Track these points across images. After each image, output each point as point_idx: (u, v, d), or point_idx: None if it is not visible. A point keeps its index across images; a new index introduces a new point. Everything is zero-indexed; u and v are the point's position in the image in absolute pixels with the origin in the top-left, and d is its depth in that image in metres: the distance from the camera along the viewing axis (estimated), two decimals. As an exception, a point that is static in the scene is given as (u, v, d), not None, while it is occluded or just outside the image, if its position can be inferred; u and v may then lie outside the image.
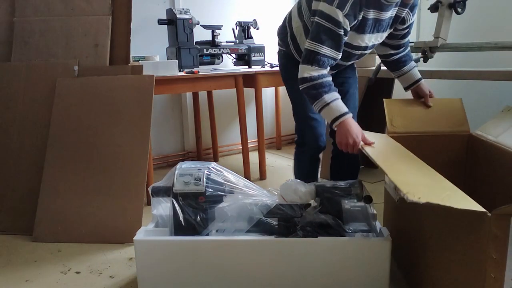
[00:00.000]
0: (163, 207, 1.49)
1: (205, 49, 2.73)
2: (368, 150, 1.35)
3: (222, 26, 2.83)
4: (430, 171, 1.21)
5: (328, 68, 1.42)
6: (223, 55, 2.86)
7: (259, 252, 1.34)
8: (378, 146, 1.45)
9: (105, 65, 2.09)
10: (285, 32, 1.68)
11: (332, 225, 1.36)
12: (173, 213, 1.38)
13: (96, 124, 1.96)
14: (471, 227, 0.96)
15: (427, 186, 1.06)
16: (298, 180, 1.46)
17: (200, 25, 2.73)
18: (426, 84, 1.75)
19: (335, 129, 1.42)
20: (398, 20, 1.53)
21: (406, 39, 1.69)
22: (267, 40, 3.14)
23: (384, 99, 1.76)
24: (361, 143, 1.39)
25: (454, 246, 1.09)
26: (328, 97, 1.39)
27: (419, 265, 1.33)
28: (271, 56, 3.11)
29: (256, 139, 2.84)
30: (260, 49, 2.95)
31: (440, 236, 1.17)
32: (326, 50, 1.38)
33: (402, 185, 0.98)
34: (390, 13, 1.48)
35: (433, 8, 2.14)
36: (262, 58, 2.96)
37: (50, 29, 2.12)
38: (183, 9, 2.63)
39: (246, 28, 2.96)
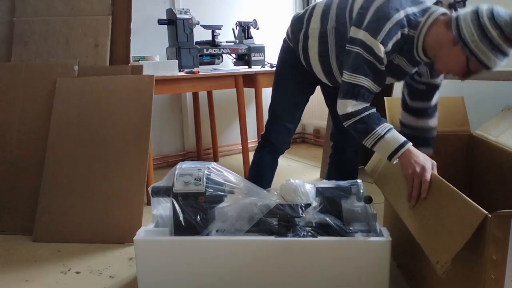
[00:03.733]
0: (163, 207, 1.49)
1: (205, 49, 2.73)
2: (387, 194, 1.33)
3: (222, 26, 2.83)
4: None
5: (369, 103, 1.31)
6: (223, 55, 2.86)
7: (259, 252, 1.34)
8: (384, 171, 1.43)
9: (105, 65, 2.09)
10: (300, 27, 1.55)
11: (332, 225, 1.36)
12: (173, 213, 1.38)
13: (96, 124, 1.96)
14: (472, 228, 0.96)
15: (439, 226, 1.04)
16: (298, 180, 1.46)
17: (200, 25, 2.73)
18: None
19: (394, 162, 1.24)
20: (415, 73, 1.44)
21: (427, 105, 1.49)
22: (267, 40, 3.14)
23: (384, 97, 1.76)
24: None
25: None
26: (381, 129, 1.24)
27: (419, 265, 1.33)
28: (271, 56, 3.11)
29: (256, 139, 2.84)
30: (260, 49, 2.95)
31: (440, 236, 1.17)
32: (369, 84, 1.26)
33: (431, 254, 1.01)
34: (413, 70, 1.40)
35: (433, 8, 2.13)
36: (262, 58, 2.96)
37: (50, 29, 2.12)
38: (183, 9, 2.63)
39: (246, 28, 2.96)
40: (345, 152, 1.77)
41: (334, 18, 1.43)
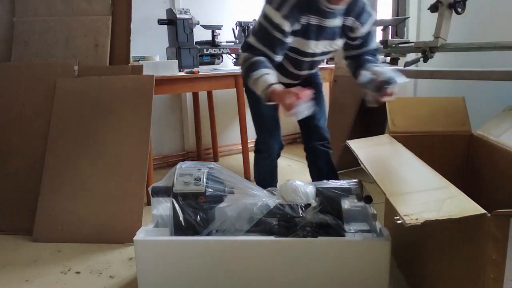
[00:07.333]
0: (163, 207, 1.49)
1: (205, 49, 2.73)
2: (362, 158, 1.35)
3: (222, 26, 2.83)
4: (428, 172, 1.21)
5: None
6: (223, 55, 2.86)
7: (259, 252, 1.34)
8: (373, 150, 1.44)
9: (105, 65, 2.09)
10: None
11: (332, 225, 1.36)
12: (173, 213, 1.38)
13: (96, 124, 1.96)
14: (471, 228, 0.96)
15: (424, 195, 1.05)
16: (298, 180, 1.46)
17: (200, 25, 2.73)
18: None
19: (267, 101, 1.40)
20: (346, 29, 1.54)
21: (364, 50, 1.60)
22: (267, 40, 3.14)
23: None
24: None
25: (453, 247, 1.09)
26: (256, 74, 1.41)
27: (419, 265, 1.33)
28: (271, 56, 3.10)
29: (256, 139, 2.84)
30: (260, 49, 2.95)
31: (440, 237, 1.17)
32: (259, 46, 1.45)
33: (398, 205, 0.99)
34: (337, 22, 1.50)
35: (433, 8, 2.14)
36: (262, 58, 2.96)
37: (50, 29, 2.12)
38: (183, 9, 2.63)
39: (246, 28, 2.95)
40: (316, 149, 1.80)
41: None
